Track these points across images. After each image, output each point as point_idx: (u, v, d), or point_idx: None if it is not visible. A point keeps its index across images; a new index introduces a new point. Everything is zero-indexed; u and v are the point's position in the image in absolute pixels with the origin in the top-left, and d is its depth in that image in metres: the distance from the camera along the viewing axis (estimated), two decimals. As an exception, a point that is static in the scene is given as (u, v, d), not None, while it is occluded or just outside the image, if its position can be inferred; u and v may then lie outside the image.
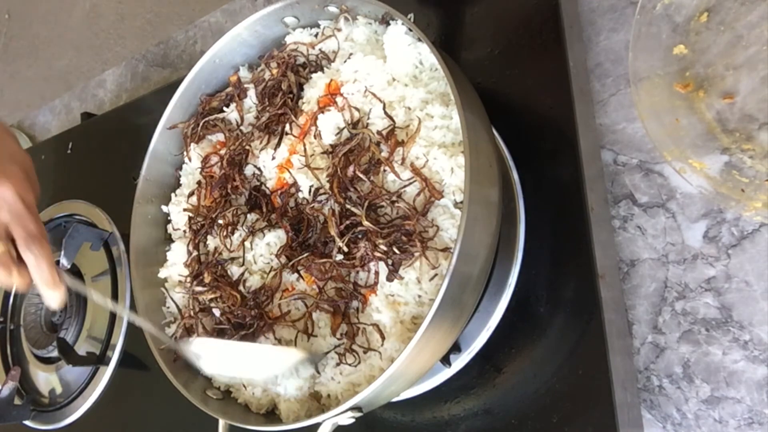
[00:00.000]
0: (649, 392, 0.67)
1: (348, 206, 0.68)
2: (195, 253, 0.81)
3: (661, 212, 0.70)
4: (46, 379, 1.12)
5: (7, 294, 1.24)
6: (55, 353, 1.08)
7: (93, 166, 1.26)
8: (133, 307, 0.81)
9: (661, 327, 0.68)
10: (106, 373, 1.03)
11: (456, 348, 0.72)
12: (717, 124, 0.66)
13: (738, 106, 0.65)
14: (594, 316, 0.66)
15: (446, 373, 0.73)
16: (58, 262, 1.09)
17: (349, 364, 0.66)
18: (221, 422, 0.69)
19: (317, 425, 0.61)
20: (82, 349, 1.06)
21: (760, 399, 0.62)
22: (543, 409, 0.67)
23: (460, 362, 0.72)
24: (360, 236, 0.67)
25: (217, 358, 0.71)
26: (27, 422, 1.11)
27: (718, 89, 0.67)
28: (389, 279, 0.65)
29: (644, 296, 0.69)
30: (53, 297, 0.67)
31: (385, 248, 0.64)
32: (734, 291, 0.65)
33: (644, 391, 0.68)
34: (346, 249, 0.67)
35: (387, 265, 0.65)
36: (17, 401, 1.10)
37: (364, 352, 0.66)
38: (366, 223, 0.66)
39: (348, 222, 0.68)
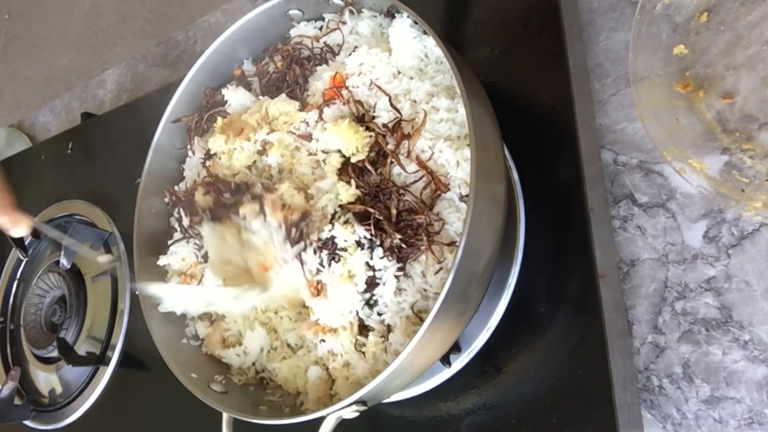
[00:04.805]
0: (649, 392, 0.67)
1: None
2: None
3: (661, 212, 0.70)
4: (46, 379, 1.12)
5: (7, 294, 1.24)
6: (55, 353, 1.08)
7: (93, 166, 1.26)
8: (135, 298, 0.81)
9: (661, 327, 0.68)
10: (106, 373, 1.03)
11: (456, 348, 0.72)
12: (717, 124, 0.66)
13: (738, 106, 0.65)
14: (594, 316, 0.66)
15: (446, 373, 0.73)
16: (57, 263, 1.09)
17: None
18: (225, 416, 0.69)
19: (321, 419, 0.61)
20: (82, 349, 1.06)
21: (760, 399, 0.62)
22: (543, 409, 0.67)
23: (460, 362, 0.72)
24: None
25: (178, 300, 0.79)
26: (27, 422, 1.11)
27: (718, 89, 0.67)
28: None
29: (644, 296, 0.69)
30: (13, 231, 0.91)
31: (398, 241, 0.65)
32: (734, 291, 0.65)
33: (644, 391, 0.68)
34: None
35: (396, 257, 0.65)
36: (17, 401, 1.10)
37: (366, 336, 0.66)
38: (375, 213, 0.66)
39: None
